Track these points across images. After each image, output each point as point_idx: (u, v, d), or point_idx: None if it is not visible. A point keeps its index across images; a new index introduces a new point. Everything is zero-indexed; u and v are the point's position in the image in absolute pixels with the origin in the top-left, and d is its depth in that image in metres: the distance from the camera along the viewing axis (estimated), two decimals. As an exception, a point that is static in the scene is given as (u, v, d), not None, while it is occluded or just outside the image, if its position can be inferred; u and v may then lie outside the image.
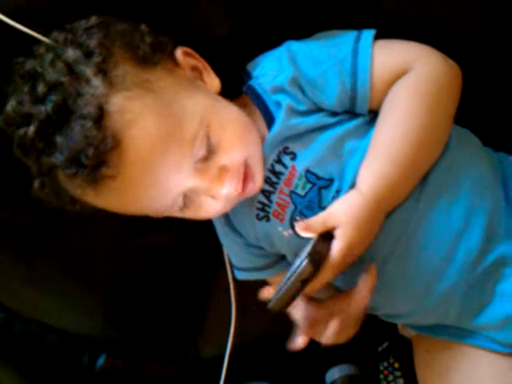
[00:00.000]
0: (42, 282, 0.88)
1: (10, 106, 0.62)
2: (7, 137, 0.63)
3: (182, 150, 0.61)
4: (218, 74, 0.69)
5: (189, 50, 0.68)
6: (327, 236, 0.62)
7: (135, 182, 0.60)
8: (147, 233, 0.87)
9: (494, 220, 0.67)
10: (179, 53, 0.67)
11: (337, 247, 0.61)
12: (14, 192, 0.78)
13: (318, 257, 0.59)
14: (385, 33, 0.68)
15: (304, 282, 0.58)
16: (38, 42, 0.65)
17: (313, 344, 1.00)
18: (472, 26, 0.71)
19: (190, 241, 0.91)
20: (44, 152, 0.60)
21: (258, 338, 1.00)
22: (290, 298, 0.59)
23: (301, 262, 0.58)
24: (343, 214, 0.62)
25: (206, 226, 0.82)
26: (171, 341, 1.01)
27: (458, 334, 0.74)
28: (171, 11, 0.70)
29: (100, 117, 0.57)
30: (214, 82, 0.68)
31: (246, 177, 0.66)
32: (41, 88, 0.59)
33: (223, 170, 0.64)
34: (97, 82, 0.58)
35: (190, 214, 0.68)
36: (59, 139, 0.58)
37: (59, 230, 0.83)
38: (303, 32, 0.71)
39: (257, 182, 0.67)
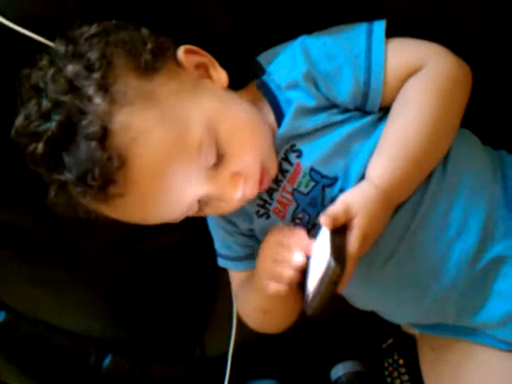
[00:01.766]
0: (46, 284, 0.89)
1: (19, 120, 0.62)
2: (11, 142, 0.64)
3: (190, 160, 0.60)
4: (224, 65, 0.68)
5: (192, 47, 0.67)
6: (339, 229, 0.61)
7: (145, 198, 0.60)
8: (149, 237, 0.87)
9: (491, 220, 0.68)
10: (181, 53, 0.66)
11: (354, 238, 0.61)
12: (19, 196, 0.78)
13: (341, 254, 0.58)
14: (388, 32, 0.68)
15: (336, 282, 0.58)
16: (42, 46, 0.65)
17: (318, 341, 1.01)
18: (473, 24, 0.71)
19: (194, 242, 0.91)
20: (54, 169, 0.60)
21: (263, 335, 1.00)
22: (326, 301, 0.59)
23: (327, 266, 0.57)
24: (358, 204, 0.62)
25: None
26: (176, 340, 1.01)
27: (461, 332, 0.74)
28: (170, 7, 0.70)
29: (104, 136, 0.57)
30: (221, 76, 0.68)
31: (262, 176, 0.65)
32: (45, 104, 0.60)
33: (236, 176, 0.63)
34: (98, 99, 0.58)
35: (204, 214, 0.69)
36: (66, 158, 0.58)
37: (62, 233, 0.83)
38: (305, 29, 0.71)
39: (272, 175, 0.67)
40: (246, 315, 0.79)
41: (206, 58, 0.68)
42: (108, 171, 0.57)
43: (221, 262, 0.82)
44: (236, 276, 0.81)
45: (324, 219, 0.60)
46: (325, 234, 0.61)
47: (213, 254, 0.83)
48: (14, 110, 0.64)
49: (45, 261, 0.86)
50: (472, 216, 0.67)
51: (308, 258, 0.63)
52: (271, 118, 0.69)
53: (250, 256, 0.76)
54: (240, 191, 0.63)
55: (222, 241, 0.79)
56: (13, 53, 0.68)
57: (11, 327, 0.90)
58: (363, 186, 0.64)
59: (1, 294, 0.89)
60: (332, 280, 0.57)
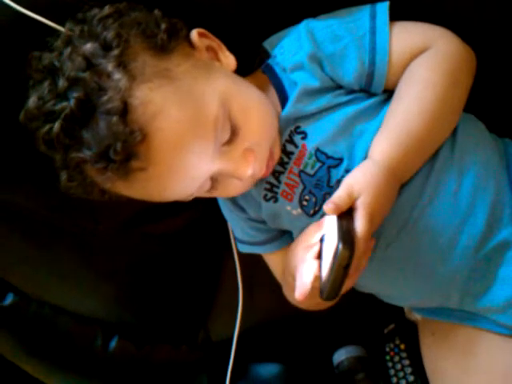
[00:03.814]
0: (53, 267, 0.89)
1: (32, 102, 0.62)
2: (18, 126, 0.64)
3: (206, 134, 0.61)
4: (232, 51, 0.69)
5: (203, 30, 0.68)
6: (345, 213, 0.62)
7: (165, 172, 0.61)
8: (156, 220, 0.88)
9: (498, 205, 0.68)
10: (194, 35, 0.67)
11: (361, 217, 0.61)
12: (27, 178, 0.79)
13: (349, 237, 0.59)
14: (390, 15, 0.68)
15: (346, 265, 0.58)
16: (54, 32, 0.65)
17: (321, 326, 1.02)
18: (476, 9, 0.72)
19: (200, 227, 0.92)
20: (71, 147, 0.60)
21: (267, 320, 1.01)
22: (340, 284, 0.59)
23: (336, 250, 0.57)
24: (360, 184, 0.62)
25: (214, 211, 0.83)
26: (181, 323, 1.02)
27: (462, 316, 0.75)
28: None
29: (125, 111, 0.57)
30: (229, 60, 0.69)
31: (268, 157, 0.67)
32: (61, 83, 0.60)
33: (248, 152, 0.64)
34: (118, 75, 0.58)
35: (216, 194, 0.69)
36: (86, 135, 0.59)
37: (70, 216, 0.84)
38: (309, 14, 0.71)
39: (276, 158, 0.69)
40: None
41: (215, 42, 0.69)
42: (130, 145, 0.57)
43: (243, 248, 0.83)
44: (271, 261, 0.82)
45: (328, 206, 0.60)
46: (332, 220, 0.61)
47: (219, 238, 0.83)
48: (16, 96, 0.64)
49: (52, 243, 0.87)
50: (480, 200, 0.68)
51: (321, 245, 0.64)
52: (276, 100, 0.70)
53: (275, 238, 0.79)
54: (251, 168, 0.64)
55: (241, 228, 0.80)
56: (22, 37, 0.68)
57: (19, 309, 0.90)
58: (364, 165, 0.65)
59: (9, 276, 0.90)
60: (341, 264, 0.57)
